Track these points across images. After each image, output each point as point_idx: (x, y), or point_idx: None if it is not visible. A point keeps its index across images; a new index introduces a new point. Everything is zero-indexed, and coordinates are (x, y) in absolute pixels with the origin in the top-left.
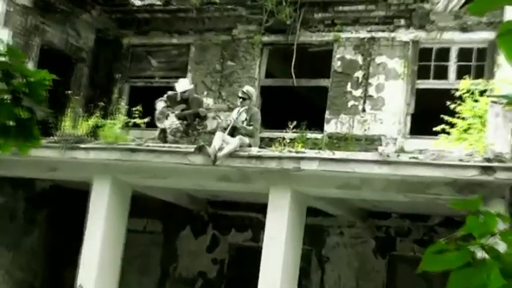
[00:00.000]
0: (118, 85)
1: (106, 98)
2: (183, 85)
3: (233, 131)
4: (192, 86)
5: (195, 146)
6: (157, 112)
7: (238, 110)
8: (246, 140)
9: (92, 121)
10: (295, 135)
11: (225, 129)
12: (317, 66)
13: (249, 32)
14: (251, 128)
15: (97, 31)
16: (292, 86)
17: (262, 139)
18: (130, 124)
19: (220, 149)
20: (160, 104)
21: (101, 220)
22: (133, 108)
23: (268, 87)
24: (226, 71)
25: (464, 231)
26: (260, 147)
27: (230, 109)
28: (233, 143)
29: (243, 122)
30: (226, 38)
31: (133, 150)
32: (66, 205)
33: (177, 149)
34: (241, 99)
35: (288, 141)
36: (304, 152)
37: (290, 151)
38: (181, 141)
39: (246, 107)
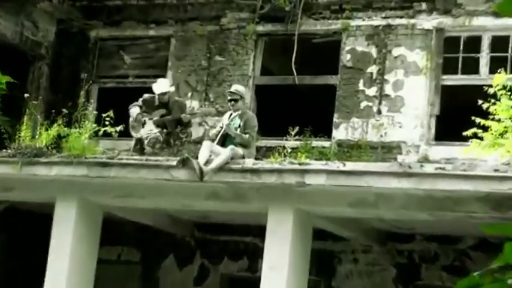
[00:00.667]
0: (84, 87)
1: (70, 102)
2: (162, 86)
3: (224, 140)
4: (172, 87)
5: (178, 158)
6: (131, 119)
7: (230, 115)
8: (240, 150)
9: (54, 130)
10: (297, 143)
11: (214, 137)
12: (323, 60)
13: (241, 21)
14: (245, 135)
15: (58, 22)
16: (294, 84)
17: (258, 149)
18: (100, 133)
19: (209, 161)
20: (135, 110)
21: (66, 248)
22: (104, 115)
23: (265, 86)
24: (214, 68)
25: (501, 261)
26: (256, 158)
27: (219, 113)
28: (224, 154)
29: (235, 128)
30: (214, 28)
31: (104, 165)
32: (25, 231)
33: (157, 163)
34: (232, 102)
35: (289, 150)
36: (309, 164)
37: (292, 163)
38: (161, 153)
39: (239, 111)
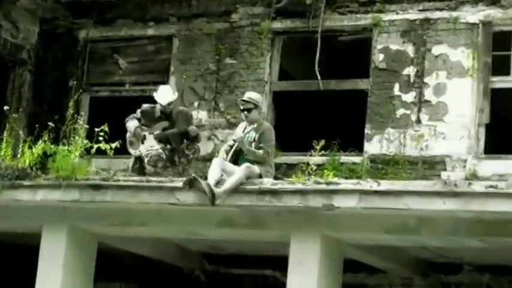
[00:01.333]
0: (74, 96)
1: (57, 115)
2: (164, 94)
3: (237, 157)
4: (176, 95)
5: (184, 178)
6: (129, 133)
7: (244, 127)
8: (256, 168)
9: (39, 148)
10: (323, 159)
11: (226, 154)
12: (351, 61)
13: (254, 17)
14: (260, 151)
15: (42, 22)
16: (317, 90)
17: (278, 166)
18: (93, 151)
19: (220, 182)
20: (133, 123)
21: (55, 285)
22: (97, 129)
23: (284, 93)
24: (224, 72)
25: None
26: (275, 177)
27: (231, 125)
28: (238, 173)
29: (250, 143)
30: (223, 26)
31: (97, 188)
32: (6, 266)
33: (160, 184)
34: (245, 112)
35: (314, 168)
36: (337, 183)
37: (318, 182)
38: (164, 172)
39: (254, 123)
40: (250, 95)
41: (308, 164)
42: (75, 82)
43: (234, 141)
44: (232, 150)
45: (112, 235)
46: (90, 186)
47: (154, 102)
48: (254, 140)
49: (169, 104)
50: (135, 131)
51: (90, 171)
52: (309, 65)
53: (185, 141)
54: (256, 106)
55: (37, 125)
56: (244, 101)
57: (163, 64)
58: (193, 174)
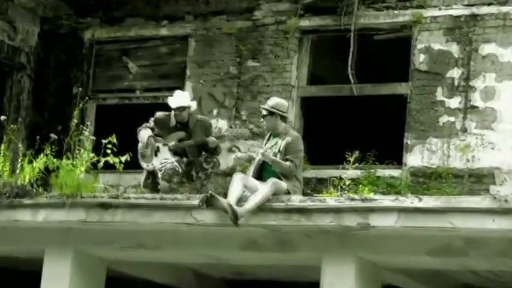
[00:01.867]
0: (78, 104)
1: (60, 126)
2: (179, 100)
3: (261, 171)
4: (193, 102)
5: (202, 196)
6: (141, 145)
7: (269, 138)
8: (283, 184)
9: (40, 162)
10: (358, 172)
11: (248, 167)
12: (388, 63)
13: (280, 14)
14: (286, 163)
15: (42, 21)
16: (351, 96)
17: (307, 181)
18: (100, 165)
19: (242, 199)
20: (145, 133)
21: None
22: (104, 141)
23: (313, 99)
24: (246, 76)
25: None
26: (305, 193)
27: (255, 136)
28: (263, 189)
29: (275, 154)
30: (245, 24)
31: (106, 207)
32: None
33: (175, 202)
34: (265, 120)
35: (347, 182)
36: (374, 200)
37: (352, 199)
38: (180, 189)
39: (281, 134)
40: (275, 101)
41: (341, 178)
42: (80, 89)
43: (262, 154)
44: (256, 163)
45: (122, 260)
46: (98, 205)
47: (168, 110)
48: (279, 151)
49: (182, 109)
50: (148, 142)
51: (97, 188)
52: (341, 67)
53: (203, 153)
54: (280, 114)
55: (38, 137)
56: (265, 109)
57: (178, 68)
58: (210, 191)
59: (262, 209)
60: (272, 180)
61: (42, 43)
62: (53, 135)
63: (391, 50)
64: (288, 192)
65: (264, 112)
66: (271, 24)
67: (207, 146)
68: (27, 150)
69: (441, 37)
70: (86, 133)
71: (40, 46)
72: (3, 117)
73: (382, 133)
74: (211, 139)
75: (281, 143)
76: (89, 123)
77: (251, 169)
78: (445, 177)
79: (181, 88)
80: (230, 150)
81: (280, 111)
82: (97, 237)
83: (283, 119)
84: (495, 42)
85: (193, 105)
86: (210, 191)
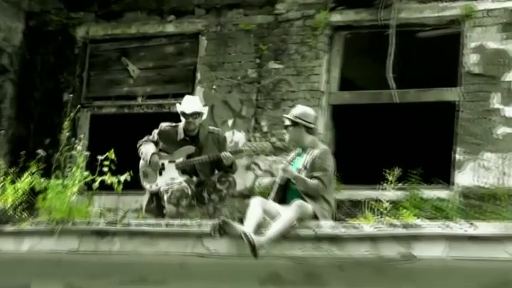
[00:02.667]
0: (70, 114)
1: (48, 139)
2: (193, 105)
3: (284, 192)
4: (205, 109)
5: (214, 223)
6: (143, 162)
7: (297, 154)
8: (309, 207)
9: (25, 182)
10: (400, 194)
11: (270, 189)
12: (434, 65)
13: (306, 8)
14: (316, 181)
15: (28, 16)
16: (391, 103)
17: (338, 203)
18: (95, 186)
19: (262, 226)
20: (147, 148)
21: None
22: (100, 157)
23: (346, 107)
24: (268, 81)
25: None
26: (336, 219)
27: (278, 151)
28: (285, 214)
29: (299, 171)
30: (266, 19)
31: (102, 234)
32: None
33: (183, 229)
34: (285, 131)
35: (387, 206)
36: (418, 226)
37: (393, 225)
38: (189, 213)
39: (311, 150)
40: (300, 110)
41: (379, 200)
42: (71, 95)
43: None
44: (277, 183)
45: None
46: (93, 233)
47: (175, 120)
48: (305, 167)
49: (195, 115)
50: (151, 159)
51: (92, 212)
52: (379, 70)
53: (217, 171)
54: (307, 126)
55: (22, 152)
56: (289, 119)
57: (187, 71)
58: (222, 217)
59: (285, 237)
60: (296, 203)
61: (27, 42)
62: (40, 151)
63: (438, 50)
64: (316, 217)
65: (287, 122)
66: (297, 19)
67: (220, 163)
68: (10, 168)
69: (496, 34)
70: (79, 148)
71: (25, 46)
72: None
73: (427, 147)
74: (226, 155)
75: (307, 158)
76: (82, 136)
77: (273, 191)
78: (502, 199)
79: (191, 94)
80: (248, 168)
81: (306, 121)
82: (91, 270)
83: (310, 130)
84: None
85: (205, 112)
86: (222, 217)
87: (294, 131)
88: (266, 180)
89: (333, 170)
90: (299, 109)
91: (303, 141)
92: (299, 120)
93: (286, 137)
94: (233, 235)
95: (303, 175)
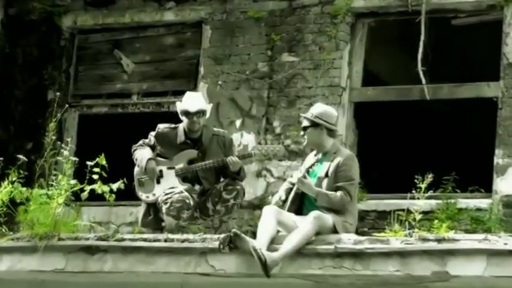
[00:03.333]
0: (55, 114)
1: (31, 143)
2: (192, 104)
3: (301, 201)
4: (209, 106)
5: (224, 235)
6: (138, 169)
7: (315, 159)
8: (329, 219)
9: (4, 192)
10: (433, 203)
11: (285, 198)
12: (471, 56)
13: None
14: (339, 193)
15: (7, 4)
16: (422, 100)
17: (363, 215)
18: (85, 195)
19: (276, 240)
20: (143, 153)
21: None
22: (90, 163)
23: (371, 104)
24: (281, 75)
25: None
26: (360, 232)
27: (292, 155)
28: (302, 227)
29: (320, 179)
30: (278, 6)
31: (92, 251)
32: None
33: (185, 245)
34: (303, 133)
35: (418, 217)
36: (454, 240)
37: (424, 239)
38: (192, 227)
39: (334, 155)
40: (320, 109)
41: (409, 211)
42: (57, 93)
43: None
44: (293, 191)
45: None
46: (81, 249)
47: (175, 120)
48: (326, 175)
49: (200, 114)
50: (147, 166)
51: (80, 226)
52: (408, 62)
53: (222, 179)
54: (326, 127)
55: (1, 158)
56: (307, 119)
57: (188, 65)
58: (234, 229)
59: (302, 253)
60: (314, 214)
61: (6, 33)
62: (21, 157)
63: (475, 39)
64: (335, 231)
65: (306, 123)
66: (314, 5)
67: (226, 169)
68: None
69: None
70: (66, 153)
71: (4, 37)
72: None
73: (463, 150)
74: (233, 160)
75: (329, 166)
76: (69, 139)
77: (289, 199)
78: None
79: (193, 89)
80: (259, 175)
81: (327, 122)
82: None
83: (332, 133)
84: None
85: (209, 110)
86: (234, 229)
87: (313, 133)
88: (276, 196)
89: (358, 179)
90: (319, 108)
91: (323, 145)
92: (320, 121)
93: (304, 140)
94: (244, 250)
95: (324, 185)
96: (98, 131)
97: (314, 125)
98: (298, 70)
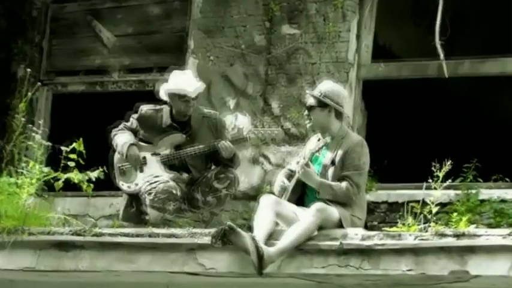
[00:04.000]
0: (26, 93)
1: None
2: (191, 86)
3: (303, 190)
4: (201, 86)
5: (217, 229)
6: (118, 156)
7: (318, 142)
8: (334, 211)
9: None
10: (451, 194)
11: (284, 188)
12: (494, 27)
13: None
14: (345, 184)
15: None
16: (439, 78)
17: (372, 207)
18: (58, 185)
19: (274, 235)
20: (123, 138)
21: None
22: (65, 148)
23: (382, 83)
24: (280, 49)
25: None
26: (369, 226)
27: (293, 139)
28: (303, 220)
29: (325, 167)
30: None
31: (67, 248)
32: None
33: (171, 240)
34: (307, 113)
35: (435, 210)
36: (475, 236)
37: (441, 234)
38: (179, 220)
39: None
40: (328, 86)
41: (424, 202)
42: (28, 69)
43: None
44: (294, 179)
45: None
46: (54, 245)
47: (160, 101)
48: (332, 163)
49: (196, 98)
50: (129, 152)
51: (53, 219)
52: (423, 35)
53: (213, 166)
54: (337, 108)
55: None
56: (314, 97)
57: (176, 38)
58: (228, 223)
59: (302, 249)
60: (317, 206)
61: None
62: None
63: (500, 8)
64: (341, 225)
65: (312, 102)
66: None
67: (218, 155)
68: None
69: None
70: (38, 137)
71: None
72: None
73: (486, 134)
74: (225, 144)
75: (335, 153)
76: (41, 121)
77: (288, 190)
78: None
79: (181, 68)
80: (255, 162)
81: (337, 103)
82: None
83: (340, 115)
84: None
85: (200, 89)
86: (228, 222)
87: (320, 114)
88: (278, 182)
89: (367, 167)
90: (328, 85)
91: (330, 128)
92: (329, 101)
93: (308, 122)
94: (238, 247)
95: (330, 174)
96: (74, 112)
97: (322, 105)
98: (299, 44)
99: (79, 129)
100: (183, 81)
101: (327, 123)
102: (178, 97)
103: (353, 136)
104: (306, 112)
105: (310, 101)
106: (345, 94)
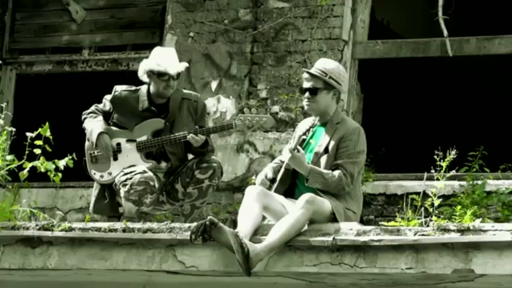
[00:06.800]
0: None
1: None
2: (172, 65)
3: (293, 179)
4: (183, 65)
5: (198, 224)
6: (89, 144)
7: (310, 126)
8: (326, 203)
9: None
10: (455, 185)
11: (272, 179)
12: (502, 3)
13: None
14: (338, 173)
15: None
16: (442, 57)
17: (369, 199)
18: (24, 175)
19: (261, 230)
20: (95, 123)
21: None
22: (30, 134)
23: (380, 62)
24: (267, 25)
25: None
26: (365, 221)
27: (282, 124)
28: (293, 213)
29: (317, 155)
30: None
31: (33, 244)
32: None
33: (148, 236)
34: (309, 97)
35: (436, 201)
36: (481, 231)
37: (444, 229)
38: (156, 214)
39: (337, 126)
40: (329, 64)
41: (425, 194)
42: None
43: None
44: (283, 169)
45: None
46: (20, 241)
47: (136, 82)
48: (325, 151)
49: (178, 77)
50: (99, 141)
51: (18, 212)
52: (425, 10)
53: (194, 156)
54: (330, 85)
55: None
56: (311, 74)
57: (152, 12)
58: (209, 217)
59: (293, 246)
60: (307, 197)
61: None
62: None
63: None
64: (335, 218)
65: (316, 84)
66: None
67: (202, 143)
68: None
69: None
70: (0, 121)
71: None
72: None
73: (493, 119)
74: (193, 137)
75: (329, 139)
76: (4, 104)
77: (277, 179)
78: None
79: (159, 44)
80: (240, 150)
81: (337, 82)
82: None
83: (338, 97)
84: None
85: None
86: (210, 217)
87: (325, 97)
88: (261, 174)
89: (364, 156)
90: (332, 64)
91: (328, 112)
92: (335, 83)
93: (308, 105)
94: (222, 243)
95: (323, 162)
96: (40, 94)
97: (328, 87)
98: (288, 19)
99: (46, 112)
100: (165, 58)
101: (326, 106)
102: (158, 75)
103: (349, 122)
104: (307, 94)
105: (313, 82)
106: (346, 75)
